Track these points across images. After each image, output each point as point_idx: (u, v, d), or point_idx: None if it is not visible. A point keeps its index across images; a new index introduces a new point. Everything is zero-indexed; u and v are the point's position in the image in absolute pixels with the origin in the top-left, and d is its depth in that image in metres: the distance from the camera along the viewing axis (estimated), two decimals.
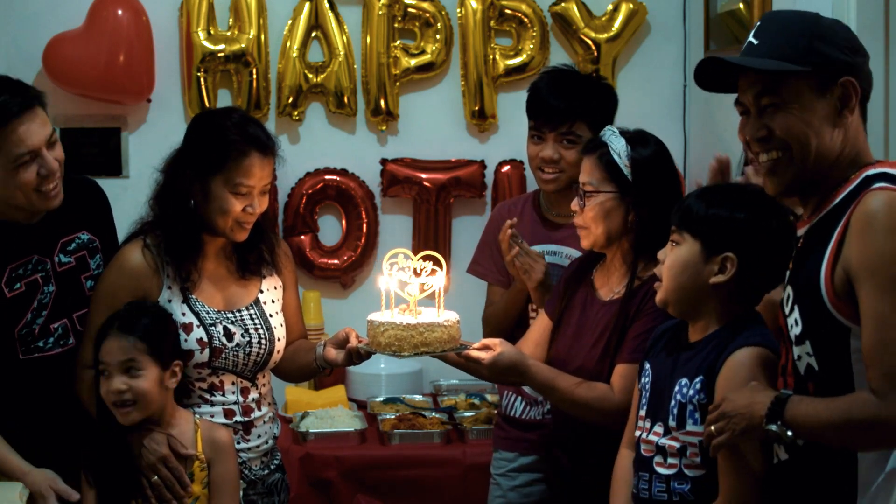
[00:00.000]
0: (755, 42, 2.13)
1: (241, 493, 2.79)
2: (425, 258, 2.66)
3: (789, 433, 2.05)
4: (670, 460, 2.35)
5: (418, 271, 2.64)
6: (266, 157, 2.77)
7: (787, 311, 2.13)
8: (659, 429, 2.39)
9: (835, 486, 2.08)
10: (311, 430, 3.74)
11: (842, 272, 2.00)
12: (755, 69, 2.11)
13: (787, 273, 2.18)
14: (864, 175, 2.07)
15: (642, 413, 2.45)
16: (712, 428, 2.17)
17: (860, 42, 2.15)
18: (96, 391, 2.66)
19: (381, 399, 4.13)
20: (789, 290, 2.13)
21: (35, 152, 2.69)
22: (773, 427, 2.06)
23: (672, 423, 2.35)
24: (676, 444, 2.34)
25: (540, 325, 2.88)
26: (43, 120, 2.73)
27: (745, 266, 2.33)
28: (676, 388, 2.36)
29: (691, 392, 2.32)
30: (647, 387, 2.46)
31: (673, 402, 2.35)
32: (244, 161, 2.72)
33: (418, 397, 4.18)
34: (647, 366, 2.49)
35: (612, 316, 2.68)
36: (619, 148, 2.68)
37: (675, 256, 2.36)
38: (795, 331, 2.10)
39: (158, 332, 2.67)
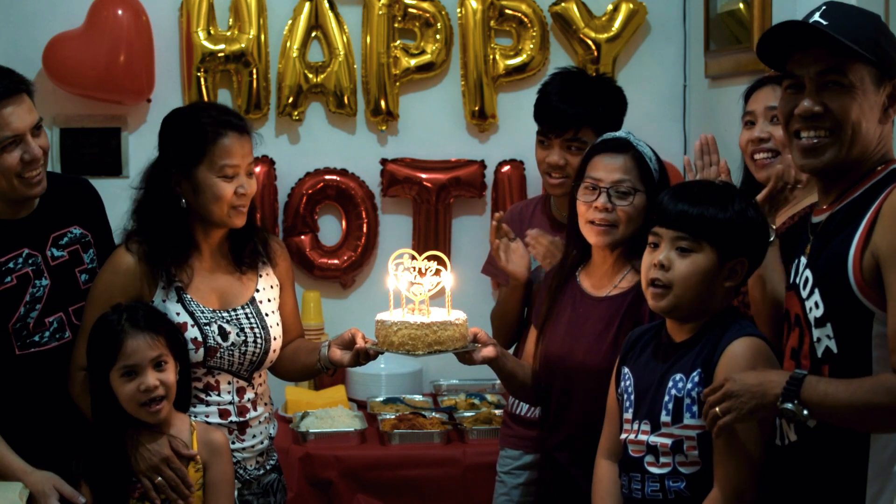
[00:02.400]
0: (824, 22, 2.15)
1: (236, 492, 2.79)
2: (429, 258, 2.67)
3: (805, 412, 2.07)
4: (663, 459, 2.36)
5: (423, 271, 2.65)
6: (242, 135, 2.78)
7: (804, 294, 2.17)
8: (646, 426, 2.39)
9: (845, 469, 2.11)
10: (311, 430, 3.74)
11: (871, 258, 2.05)
12: (824, 45, 2.13)
13: (804, 258, 2.21)
14: (892, 168, 2.14)
15: (628, 416, 2.45)
16: (717, 409, 2.18)
17: None
18: (99, 394, 2.66)
19: (381, 399, 4.12)
20: (808, 273, 2.17)
21: (19, 137, 2.71)
22: (790, 405, 2.08)
23: (665, 419, 2.35)
24: (669, 442, 2.35)
25: (532, 337, 2.89)
26: (29, 107, 2.75)
27: (750, 268, 2.39)
28: (670, 384, 2.37)
29: (689, 385, 2.33)
30: (630, 390, 2.46)
31: (667, 398, 2.36)
32: (223, 142, 2.74)
33: (418, 397, 4.18)
34: (626, 370, 2.49)
35: (617, 311, 2.68)
36: (648, 153, 2.72)
37: (693, 266, 2.35)
38: (816, 313, 2.13)
39: (169, 326, 2.69)
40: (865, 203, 2.11)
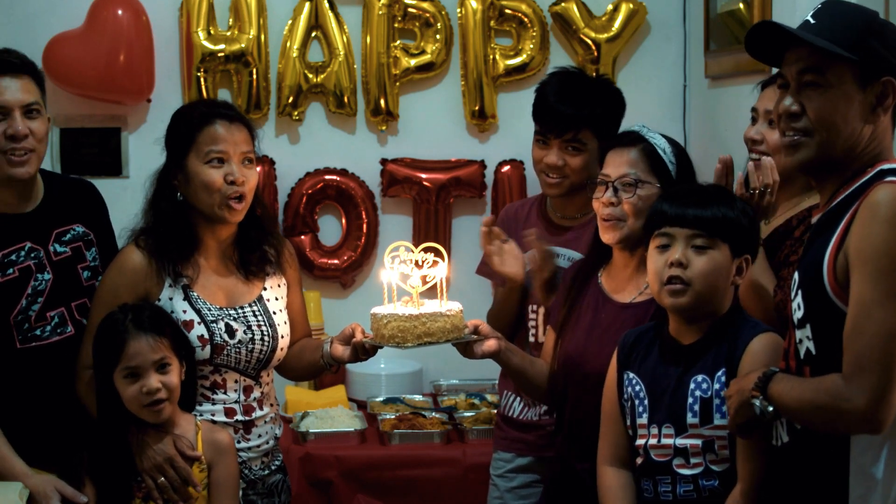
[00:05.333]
0: (812, 21, 2.15)
1: (241, 493, 2.79)
2: (426, 250, 2.67)
3: (770, 408, 2.11)
4: (694, 460, 2.37)
5: (419, 263, 2.64)
6: (232, 123, 2.79)
7: (792, 294, 2.17)
8: (668, 430, 2.39)
9: (828, 470, 2.10)
10: (311, 430, 3.74)
11: (843, 259, 2.05)
12: (807, 45, 2.12)
13: (798, 258, 2.22)
14: (878, 168, 2.10)
15: (642, 421, 2.45)
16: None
17: None
18: (104, 392, 2.66)
19: (381, 399, 4.12)
20: (796, 274, 2.17)
21: (6, 110, 2.73)
22: (757, 402, 2.12)
23: (693, 421, 2.36)
24: (699, 443, 2.36)
25: (550, 337, 2.86)
26: (27, 87, 2.77)
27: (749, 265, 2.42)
28: (692, 385, 2.37)
29: (717, 386, 2.34)
30: (641, 395, 2.46)
31: (692, 400, 2.37)
32: (208, 129, 2.75)
33: (418, 397, 4.18)
34: (631, 375, 2.48)
35: (643, 318, 2.62)
36: (662, 144, 2.69)
37: (711, 262, 2.37)
38: (798, 315, 2.13)
39: (174, 327, 2.70)
40: (848, 205, 2.10)
